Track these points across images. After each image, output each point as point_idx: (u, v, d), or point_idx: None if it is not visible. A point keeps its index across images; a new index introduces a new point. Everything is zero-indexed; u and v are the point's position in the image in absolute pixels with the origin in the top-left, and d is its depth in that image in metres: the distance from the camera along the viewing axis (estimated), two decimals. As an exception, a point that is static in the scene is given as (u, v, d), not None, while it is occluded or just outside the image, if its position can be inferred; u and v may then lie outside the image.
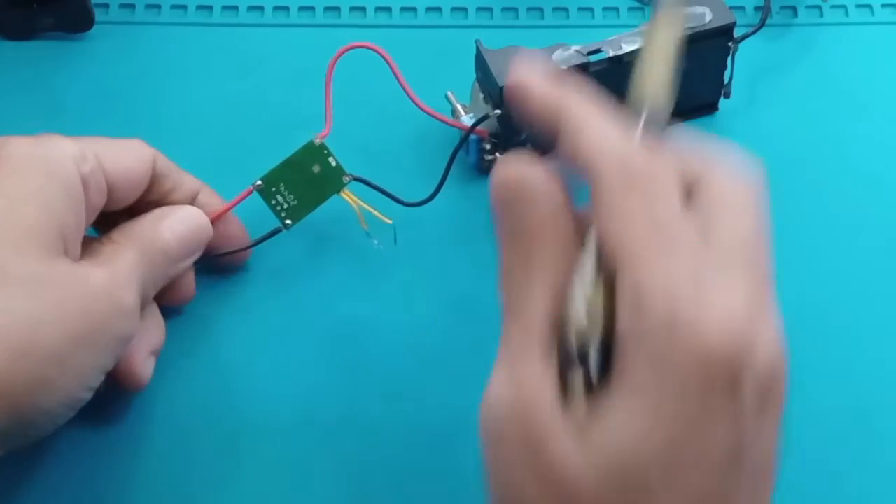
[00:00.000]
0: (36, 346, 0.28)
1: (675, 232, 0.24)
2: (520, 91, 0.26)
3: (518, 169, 0.25)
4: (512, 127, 0.39)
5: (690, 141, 0.26)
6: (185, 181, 0.36)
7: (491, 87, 0.38)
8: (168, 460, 0.35)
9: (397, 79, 0.37)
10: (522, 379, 0.25)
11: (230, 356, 0.37)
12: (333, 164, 0.37)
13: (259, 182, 0.37)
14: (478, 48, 0.38)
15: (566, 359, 0.25)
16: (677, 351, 0.23)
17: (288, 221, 0.37)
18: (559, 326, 0.25)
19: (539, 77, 0.26)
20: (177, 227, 0.34)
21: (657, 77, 0.26)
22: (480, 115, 0.39)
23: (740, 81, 0.43)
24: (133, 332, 0.32)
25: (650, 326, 0.23)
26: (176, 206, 0.35)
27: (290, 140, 0.37)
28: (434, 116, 0.39)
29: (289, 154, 0.37)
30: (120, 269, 0.32)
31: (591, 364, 0.24)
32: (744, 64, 0.42)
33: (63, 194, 0.31)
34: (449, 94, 0.40)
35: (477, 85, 0.40)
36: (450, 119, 0.39)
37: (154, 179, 0.35)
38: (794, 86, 0.44)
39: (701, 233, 0.24)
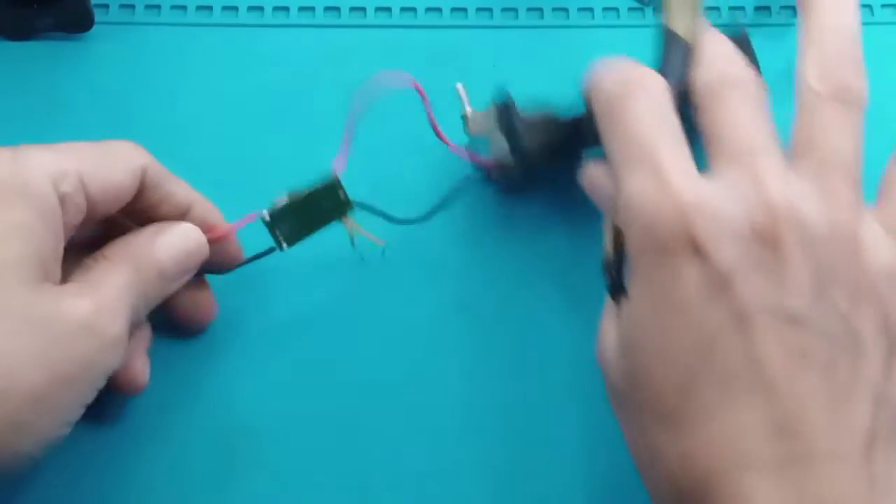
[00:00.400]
0: (14, 389, 0.27)
1: (642, 144, 0.30)
2: None
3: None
4: (526, 163, 0.38)
5: None
6: (177, 193, 0.34)
7: (515, 143, 0.37)
8: (163, 464, 0.35)
9: (427, 115, 0.37)
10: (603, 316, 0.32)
11: (226, 360, 0.37)
12: (342, 197, 0.36)
13: (267, 217, 0.35)
14: (507, 103, 0.37)
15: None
16: (631, 237, 0.29)
17: (285, 245, 0.36)
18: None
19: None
20: (172, 246, 0.33)
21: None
22: (490, 140, 0.38)
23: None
24: (119, 362, 0.30)
25: (626, 231, 0.29)
26: (172, 223, 0.33)
27: (290, 140, 0.37)
28: (453, 150, 0.38)
29: (288, 155, 0.36)
30: (108, 296, 0.30)
31: (624, 282, 0.30)
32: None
33: (40, 221, 0.29)
34: (458, 86, 0.39)
35: (495, 112, 0.38)
36: (465, 154, 0.39)
37: (141, 189, 0.33)
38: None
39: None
